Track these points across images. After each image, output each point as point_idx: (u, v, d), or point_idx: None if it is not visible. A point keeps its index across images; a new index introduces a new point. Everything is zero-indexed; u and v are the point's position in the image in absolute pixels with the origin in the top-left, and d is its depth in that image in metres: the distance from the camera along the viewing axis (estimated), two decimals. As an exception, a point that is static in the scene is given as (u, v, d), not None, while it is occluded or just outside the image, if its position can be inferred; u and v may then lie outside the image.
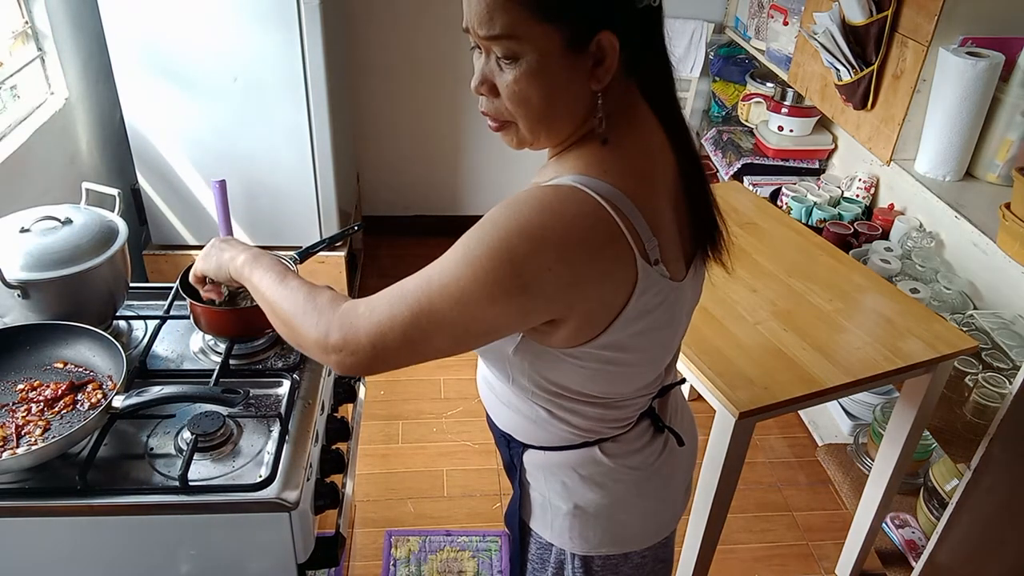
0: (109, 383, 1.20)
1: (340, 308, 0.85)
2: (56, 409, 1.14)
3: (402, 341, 0.81)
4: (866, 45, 2.08)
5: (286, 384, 1.29)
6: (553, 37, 0.78)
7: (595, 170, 0.83)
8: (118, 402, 1.09)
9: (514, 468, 1.10)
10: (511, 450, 1.09)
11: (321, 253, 1.41)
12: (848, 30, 2.11)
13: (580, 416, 0.98)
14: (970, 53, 1.85)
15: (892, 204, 2.42)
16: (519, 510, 1.12)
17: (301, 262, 1.37)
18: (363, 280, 3.12)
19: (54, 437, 1.09)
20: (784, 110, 2.78)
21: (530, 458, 1.07)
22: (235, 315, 1.32)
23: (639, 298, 0.84)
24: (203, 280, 1.14)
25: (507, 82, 0.82)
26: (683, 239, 0.92)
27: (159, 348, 1.37)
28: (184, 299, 1.31)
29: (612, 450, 1.03)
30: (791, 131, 2.80)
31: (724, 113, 3.22)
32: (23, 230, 1.28)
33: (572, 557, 1.09)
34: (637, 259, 0.82)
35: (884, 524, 2.10)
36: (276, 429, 1.20)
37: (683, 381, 1.13)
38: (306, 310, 0.88)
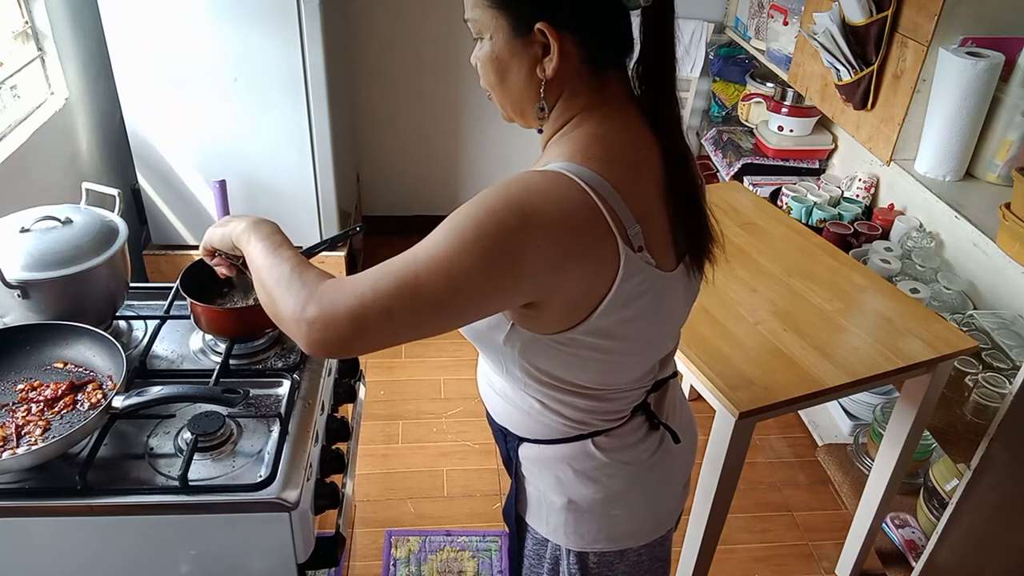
0: (109, 383, 1.20)
1: (325, 283, 0.84)
2: (56, 409, 1.14)
3: (384, 316, 0.79)
4: (866, 45, 2.08)
5: (286, 384, 1.29)
6: (501, 22, 0.87)
7: (579, 157, 0.85)
8: (118, 402, 1.09)
9: (511, 462, 1.11)
10: (507, 444, 1.10)
11: (322, 253, 1.41)
12: (848, 30, 2.11)
13: (572, 408, 0.99)
14: (970, 53, 1.85)
15: (892, 204, 2.42)
16: (515, 505, 1.13)
17: (301, 262, 1.37)
18: (363, 280, 3.12)
19: (54, 437, 1.09)
20: (784, 110, 2.78)
21: (525, 452, 1.08)
22: (235, 315, 1.32)
23: (622, 284, 0.85)
24: (212, 253, 1.13)
25: (477, 59, 0.92)
26: (673, 232, 0.92)
27: (159, 348, 1.37)
28: (184, 299, 1.31)
29: (605, 444, 1.03)
30: (791, 131, 2.80)
31: (724, 113, 3.22)
32: (23, 230, 1.28)
33: (567, 553, 1.09)
34: (619, 244, 0.84)
35: (884, 524, 2.10)
36: (276, 429, 1.20)
37: (675, 374, 1.13)
38: (290, 281, 0.86)
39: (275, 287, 0.88)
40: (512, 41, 0.87)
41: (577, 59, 0.87)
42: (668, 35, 0.87)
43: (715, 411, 1.51)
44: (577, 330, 0.88)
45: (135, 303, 1.49)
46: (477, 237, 0.79)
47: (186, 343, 1.39)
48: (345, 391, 1.48)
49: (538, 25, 0.84)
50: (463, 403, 2.61)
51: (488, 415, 1.13)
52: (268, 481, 1.10)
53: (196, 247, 2.60)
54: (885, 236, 2.31)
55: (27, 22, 2.12)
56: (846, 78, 2.16)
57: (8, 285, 1.23)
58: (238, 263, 1.15)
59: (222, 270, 1.17)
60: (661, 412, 1.08)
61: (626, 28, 0.88)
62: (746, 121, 3.05)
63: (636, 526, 1.10)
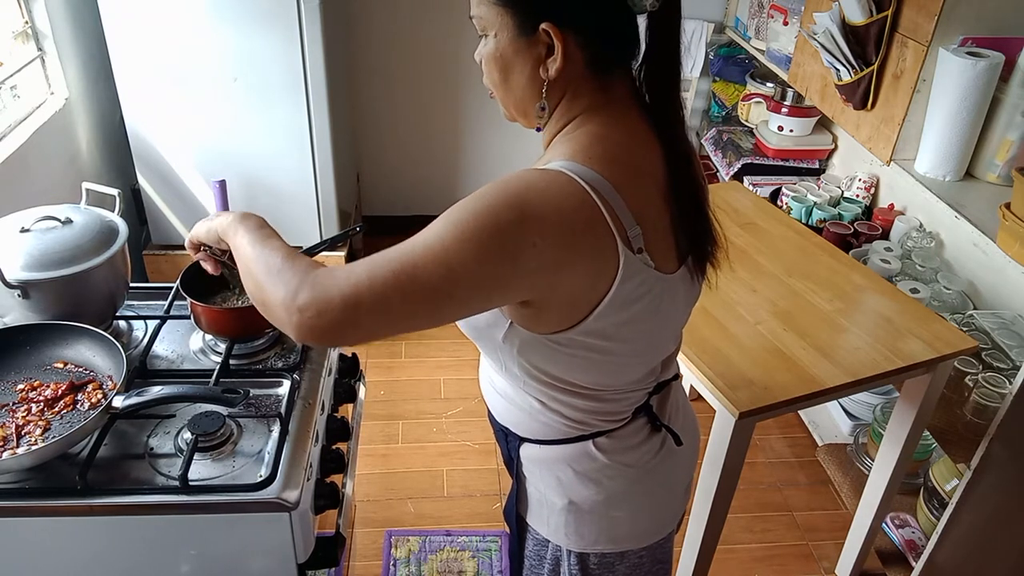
0: (109, 383, 1.20)
1: (318, 270, 0.83)
2: (56, 409, 1.14)
3: (378, 303, 0.78)
4: (866, 45, 2.08)
5: (286, 384, 1.29)
6: (506, 20, 0.86)
7: (581, 157, 0.85)
8: (118, 402, 1.09)
9: (512, 462, 1.11)
10: (508, 444, 1.10)
11: (322, 253, 1.41)
12: (848, 30, 2.11)
13: (572, 408, 0.99)
14: (970, 53, 1.85)
15: (892, 204, 2.42)
16: (516, 505, 1.13)
17: (301, 262, 1.37)
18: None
19: (54, 437, 1.09)
20: (784, 110, 2.78)
21: (526, 452, 1.08)
22: (235, 315, 1.32)
23: (621, 285, 0.85)
24: (197, 247, 1.12)
25: (481, 56, 0.92)
26: (675, 234, 0.92)
27: (159, 348, 1.37)
28: (184, 299, 1.31)
29: (606, 446, 1.03)
30: (791, 131, 2.80)
31: (724, 113, 3.22)
32: (23, 230, 1.28)
33: (568, 554, 1.09)
34: (619, 245, 0.83)
35: (884, 524, 2.10)
36: (276, 429, 1.20)
37: (677, 377, 1.12)
38: (281, 269, 0.84)
39: (265, 275, 0.86)
40: (516, 40, 0.87)
41: (581, 60, 0.87)
42: (674, 39, 0.87)
43: (715, 411, 1.51)
44: (575, 330, 0.88)
45: (135, 303, 1.49)
46: (475, 231, 0.78)
47: (186, 343, 1.39)
48: (345, 391, 1.48)
49: (543, 25, 0.84)
50: (463, 403, 2.61)
51: (490, 414, 1.13)
52: (268, 481, 1.10)
53: (196, 247, 2.61)
54: (885, 236, 2.31)
55: (27, 22, 2.12)
56: (846, 78, 2.16)
57: (8, 285, 1.23)
58: (223, 258, 1.13)
59: (207, 266, 1.15)
60: (663, 414, 1.08)
61: (632, 31, 0.87)
62: (746, 121, 3.05)
63: (637, 528, 1.10)
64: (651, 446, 1.06)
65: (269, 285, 0.84)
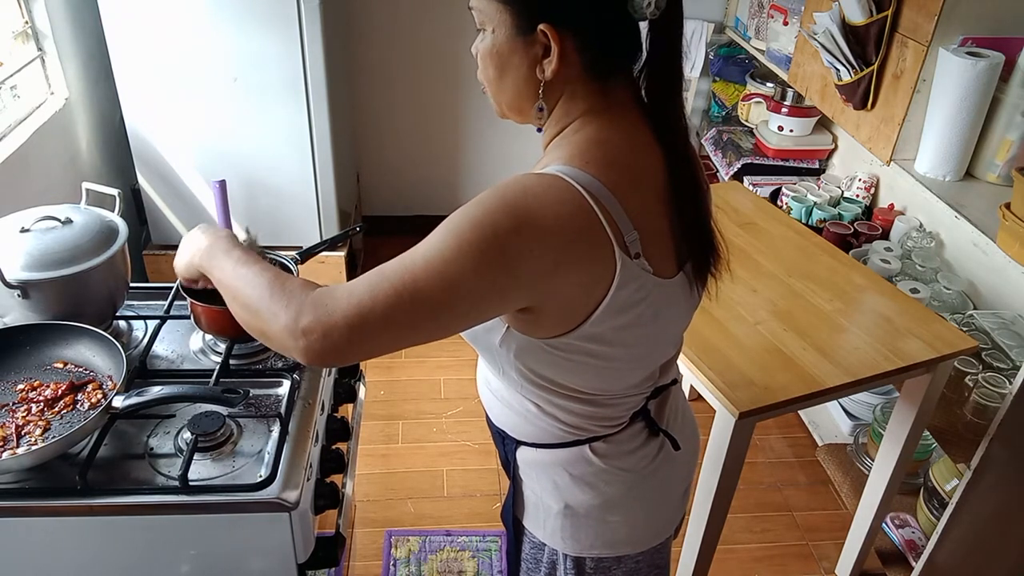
0: (109, 383, 1.20)
1: (314, 291, 0.82)
2: (56, 409, 1.14)
3: (382, 321, 0.78)
4: (866, 45, 2.08)
5: (286, 384, 1.29)
6: (504, 16, 0.86)
7: (578, 161, 0.85)
8: (118, 402, 1.09)
9: (509, 465, 1.11)
10: (505, 447, 1.09)
11: (322, 253, 1.41)
12: (848, 30, 2.11)
13: (568, 412, 0.99)
14: (970, 53, 1.85)
15: (892, 204, 2.42)
16: (513, 508, 1.13)
17: (302, 262, 1.38)
18: (363, 280, 3.12)
19: (54, 437, 1.09)
20: (784, 110, 2.78)
21: (523, 455, 1.07)
22: (235, 315, 1.32)
23: (619, 290, 0.84)
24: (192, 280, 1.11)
25: (477, 50, 0.91)
26: (675, 240, 0.92)
27: (159, 348, 1.37)
28: (184, 299, 1.31)
29: (603, 450, 1.02)
30: (791, 131, 2.80)
31: (724, 113, 3.22)
32: (23, 230, 1.28)
33: (564, 558, 1.09)
34: (616, 250, 0.83)
35: (884, 524, 2.10)
36: (276, 429, 1.20)
37: (675, 382, 1.11)
38: (273, 293, 0.83)
39: (258, 302, 0.85)
40: (514, 38, 0.86)
41: (578, 64, 0.86)
42: (675, 47, 0.86)
43: (715, 411, 1.51)
44: (572, 335, 0.87)
45: (135, 303, 1.49)
46: (474, 240, 0.78)
47: (186, 343, 1.39)
48: (345, 391, 1.48)
49: (541, 26, 0.83)
50: (463, 403, 2.61)
51: (487, 417, 1.12)
52: (268, 481, 1.10)
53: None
54: (885, 236, 2.31)
55: (27, 22, 2.12)
56: (846, 78, 2.16)
57: (8, 285, 1.22)
58: None
59: (208, 287, 1.15)
60: (661, 419, 1.07)
61: (634, 35, 0.87)
62: (746, 121, 3.05)
63: (633, 533, 1.09)
64: (648, 451, 1.06)
65: (265, 311, 0.83)
